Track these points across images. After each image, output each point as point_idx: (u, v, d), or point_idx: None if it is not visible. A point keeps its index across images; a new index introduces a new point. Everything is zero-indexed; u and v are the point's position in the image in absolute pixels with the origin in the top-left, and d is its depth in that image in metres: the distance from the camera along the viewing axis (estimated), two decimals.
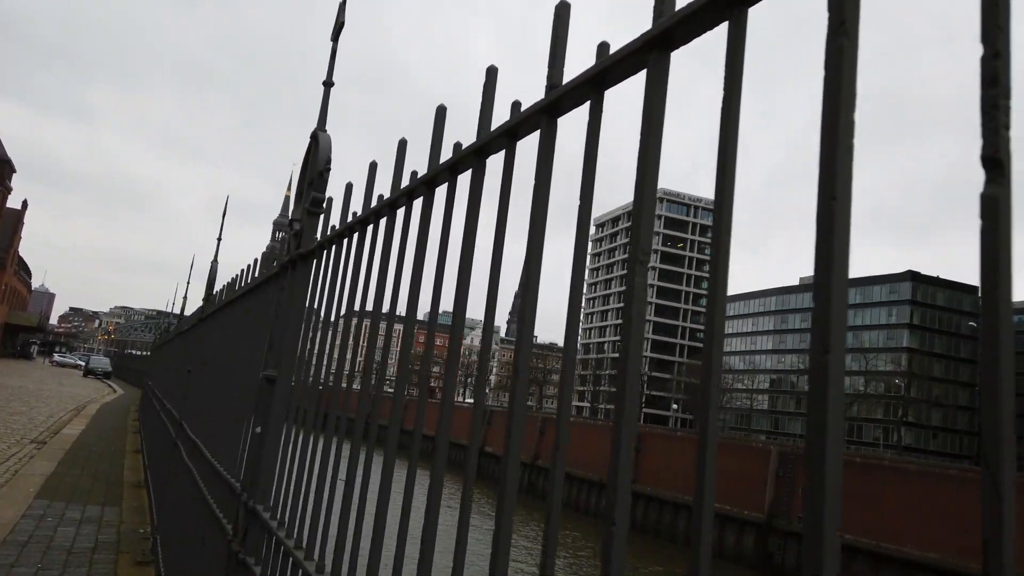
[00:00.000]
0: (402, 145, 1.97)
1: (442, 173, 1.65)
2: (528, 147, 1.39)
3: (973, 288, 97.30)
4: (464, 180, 1.59)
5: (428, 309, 1.67)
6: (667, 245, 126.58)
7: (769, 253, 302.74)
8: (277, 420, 2.66)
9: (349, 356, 2.15)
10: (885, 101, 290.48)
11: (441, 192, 1.69)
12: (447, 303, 1.65)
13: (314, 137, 2.88)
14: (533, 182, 1.26)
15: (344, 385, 2.13)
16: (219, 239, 8.12)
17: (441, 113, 1.73)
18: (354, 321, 2.20)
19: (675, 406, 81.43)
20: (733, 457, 50.53)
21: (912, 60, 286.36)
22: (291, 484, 2.34)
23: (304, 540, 2.12)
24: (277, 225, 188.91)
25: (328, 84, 3.00)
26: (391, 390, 2.04)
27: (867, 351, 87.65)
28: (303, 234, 2.75)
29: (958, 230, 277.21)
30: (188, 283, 12.59)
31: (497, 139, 1.42)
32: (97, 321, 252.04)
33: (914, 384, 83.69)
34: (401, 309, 1.87)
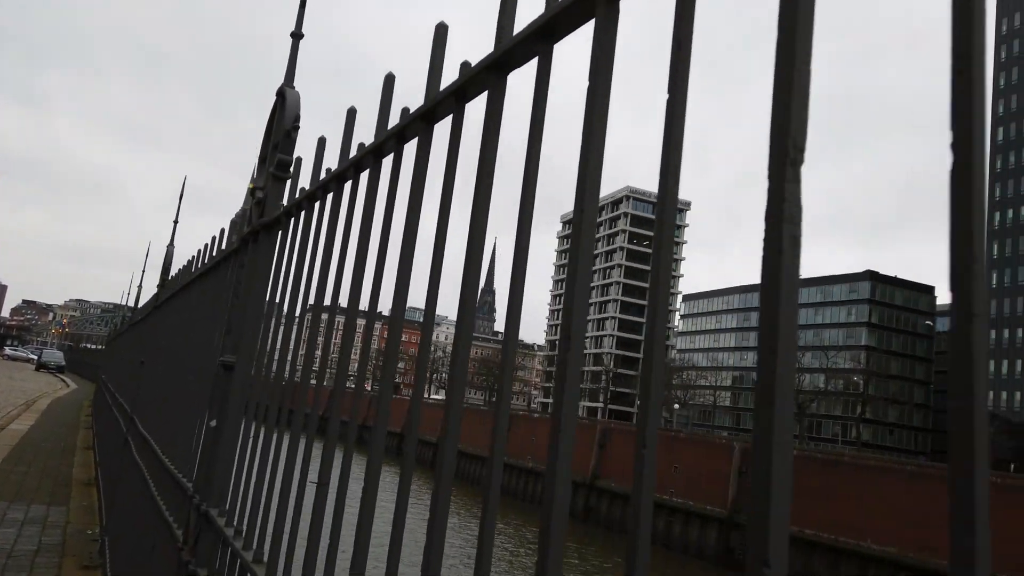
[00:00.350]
0: (351, 113, 1.84)
1: (388, 142, 1.54)
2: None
3: (930, 288, 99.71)
4: (413, 149, 1.48)
5: (370, 301, 1.52)
6: (633, 243, 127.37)
7: (735, 252, 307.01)
8: (235, 412, 2.34)
9: (313, 342, 1.86)
10: (847, 104, 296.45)
11: (389, 165, 1.57)
12: (405, 294, 1.46)
13: (280, 94, 2.55)
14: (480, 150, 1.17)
15: (314, 376, 1.84)
16: (175, 222, 7.66)
17: (390, 81, 1.60)
18: (314, 304, 1.92)
19: (639, 403, 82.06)
20: (697, 454, 50.94)
21: (874, 63, 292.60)
22: (251, 486, 2.03)
23: (265, 553, 1.81)
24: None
25: (296, 36, 2.67)
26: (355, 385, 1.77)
27: (827, 349, 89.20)
28: (267, 202, 2.42)
29: (916, 231, 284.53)
30: (143, 272, 12.06)
31: (444, 102, 1.31)
32: (51, 314, 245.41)
33: (872, 381, 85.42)
34: (363, 299, 1.66)
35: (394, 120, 1.54)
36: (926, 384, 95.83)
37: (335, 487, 1.41)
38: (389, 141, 1.53)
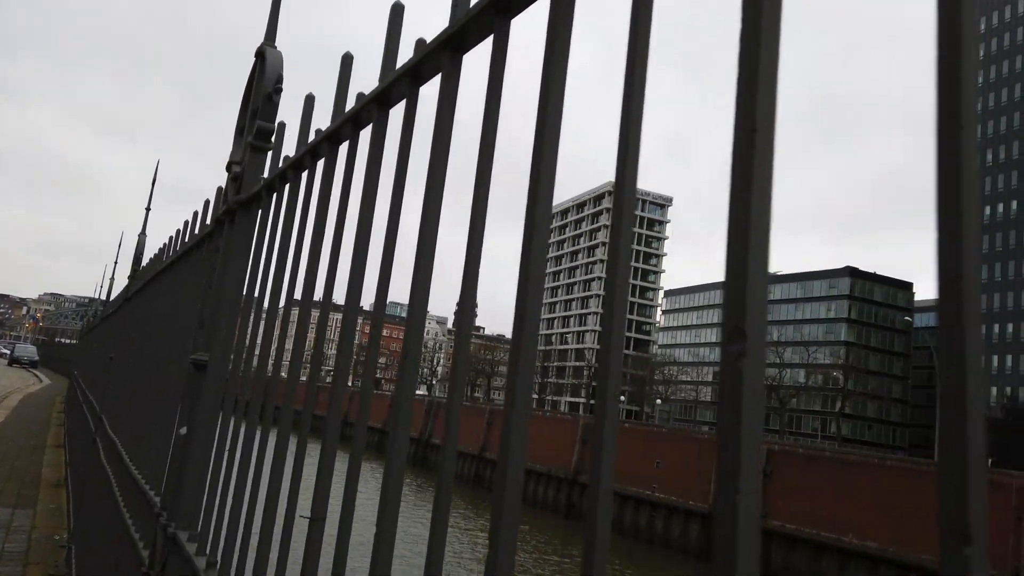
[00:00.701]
0: (309, 100, 1.72)
1: (344, 127, 1.46)
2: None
3: (908, 284, 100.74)
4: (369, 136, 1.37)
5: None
6: None
7: (719, 247, 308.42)
8: (207, 418, 2.02)
9: (301, 336, 1.59)
10: (831, 100, 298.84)
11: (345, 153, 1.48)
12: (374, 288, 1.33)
13: (259, 55, 2.22)
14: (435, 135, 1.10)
15: (303, 374, 1.56)
16: (147, 209, 7.24)
17: (347, 62, 1.53)
18: (298, 293, 1.67)
19: (622, 398, 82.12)
20: (681, 449, 50.96)
21: (855, 61, 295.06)
22: (226, 507, 1.71)
23: None
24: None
25: None
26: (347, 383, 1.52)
27: (808, 344, 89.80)
28: (244, 177, 2.10)
29: (895, 228, 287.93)
30: (115, 263, 11.56)
31: (397, 84, 1.23)
32: (25, 308, 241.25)
33: (851, 377, 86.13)
34: (337, 292, 1.51)
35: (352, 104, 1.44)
36: (904, 379, 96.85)
37: (333, 523, 1.10)
38: (345, 127, 1.45)
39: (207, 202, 2.75)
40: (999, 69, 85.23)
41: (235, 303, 2.04)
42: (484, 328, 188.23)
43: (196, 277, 2.63)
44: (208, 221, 2.64)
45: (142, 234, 6.48)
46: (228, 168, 2.27)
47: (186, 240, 3.12)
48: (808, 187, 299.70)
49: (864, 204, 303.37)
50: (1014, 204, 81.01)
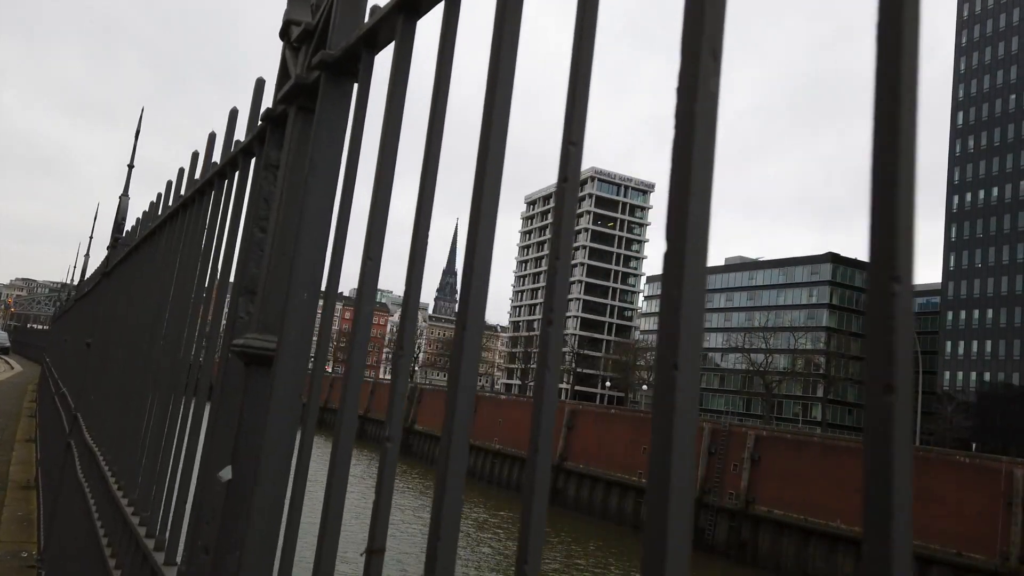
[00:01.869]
0: None
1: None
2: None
3: None
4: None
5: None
6: (598, 224, 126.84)
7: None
8: (278, 447, 1.13)
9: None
10: (816, 86, 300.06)
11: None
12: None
13: None
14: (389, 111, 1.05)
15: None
16: (130, 166, 6.27)
17: None
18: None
19: (608, 383, 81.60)
20: None
21: (844, 45, 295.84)
22: None
23: None
24: None
25: None
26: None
27: (791, 330, 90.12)
28: (333, 25, 1.21)
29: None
30: (91, 237, 10.44)
31: (351, 50, 1.13)
32: None
33: (832, 362, 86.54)
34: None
35: None
36: None
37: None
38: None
39: (233, 112, 1.86)
40: (981, 56, 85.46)
41: (320, 246, 1.16)
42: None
43: (221, 217, 1.75)
44: (239, 140, 1.75)
45: (124, 196, 5.53)
46: (285, 33, 1.38)
47: (209, 164, 2.17)
48: (793, 173, 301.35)
49: (847, 190, 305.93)
50: (995, 191, 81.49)
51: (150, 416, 2.20)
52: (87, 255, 9.69)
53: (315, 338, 1.18)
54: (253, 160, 1.62)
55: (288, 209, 1.27)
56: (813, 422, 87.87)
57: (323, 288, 1.16)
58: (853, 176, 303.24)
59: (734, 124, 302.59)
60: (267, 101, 1.55)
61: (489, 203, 0.82)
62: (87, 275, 8.89)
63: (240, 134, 1.80)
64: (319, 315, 1.16)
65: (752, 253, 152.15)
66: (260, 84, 1.67)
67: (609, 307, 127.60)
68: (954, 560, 34.34)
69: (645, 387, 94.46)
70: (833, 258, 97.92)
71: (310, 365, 1.19)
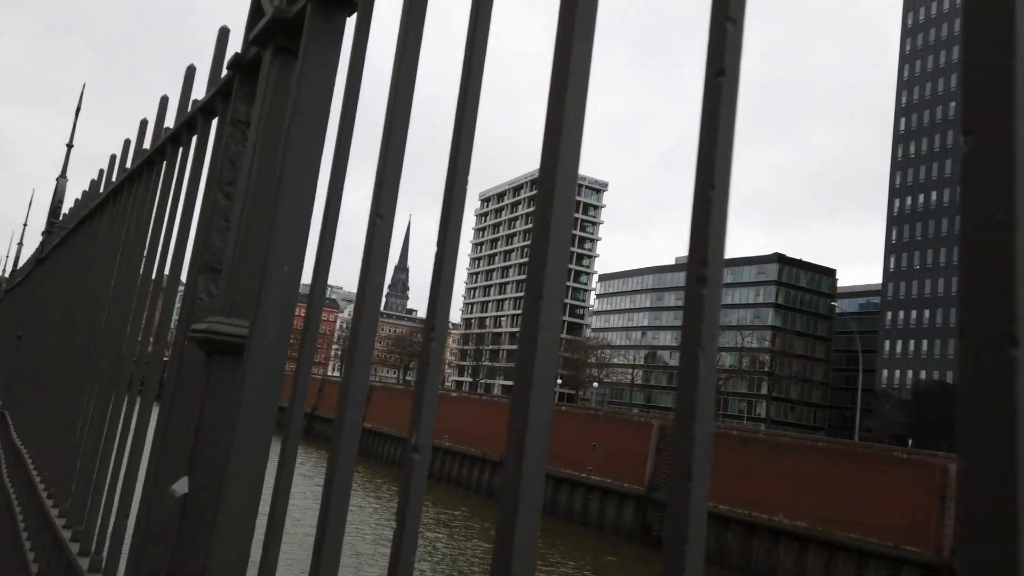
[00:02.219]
0: None
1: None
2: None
3: (832, 271, 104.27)
4: None
5: None
6: None
7: (658, 233, 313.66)
8: (251, 454, 0.92)
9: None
10: (773, 90, 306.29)
11: None
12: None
13: None
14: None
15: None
16: (69, 145, 5.81)
17: None
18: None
19: (558, 381, 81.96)
20: (616, 432, 51.04)
21: (801, 51, 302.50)
22: None
23: None
24: None
25: None
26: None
27: (740, 328, 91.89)
28: None
29: (824, 217, 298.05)
30: (25, 225, 9.83)
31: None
32: None
33: (777, 360, 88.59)
34: None
35: None
36: (826, 362, 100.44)
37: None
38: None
39: (190, 70, 1.62)
40: (924, 64, 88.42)
41: (306, 208, 0.96)
42: (417, 311, 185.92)
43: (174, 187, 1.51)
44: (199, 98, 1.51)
45: (62, 177, 5.13)
46: None
47: (161, 131, 1.91)
48: (747, 173, 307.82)
49: (798, 192, 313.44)
50: (934, 195, 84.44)
51: (87, 415, 1.95)
52: (20, 243, 9.11)
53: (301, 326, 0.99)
54: (215, 120, 1.40)
55: (263, 168, 1.07)
56: (757, 419, 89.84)
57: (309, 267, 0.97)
58: (804, 179, 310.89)
59: (690, 123, 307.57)
60: (234, 53, 1.33)
61: (459, 199, 0.76)
62: (20, 265, 8.35)
63: (199, 93, 1.57)
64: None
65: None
66: (224, 33, 1.44)
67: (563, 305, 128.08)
68: (891, 553, 35.43)
69: (596, 384, 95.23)
70: (779, 259, 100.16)
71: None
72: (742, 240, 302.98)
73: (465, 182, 0.76)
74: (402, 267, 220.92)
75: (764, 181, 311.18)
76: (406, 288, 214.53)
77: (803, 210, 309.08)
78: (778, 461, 41.83)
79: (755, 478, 42.11)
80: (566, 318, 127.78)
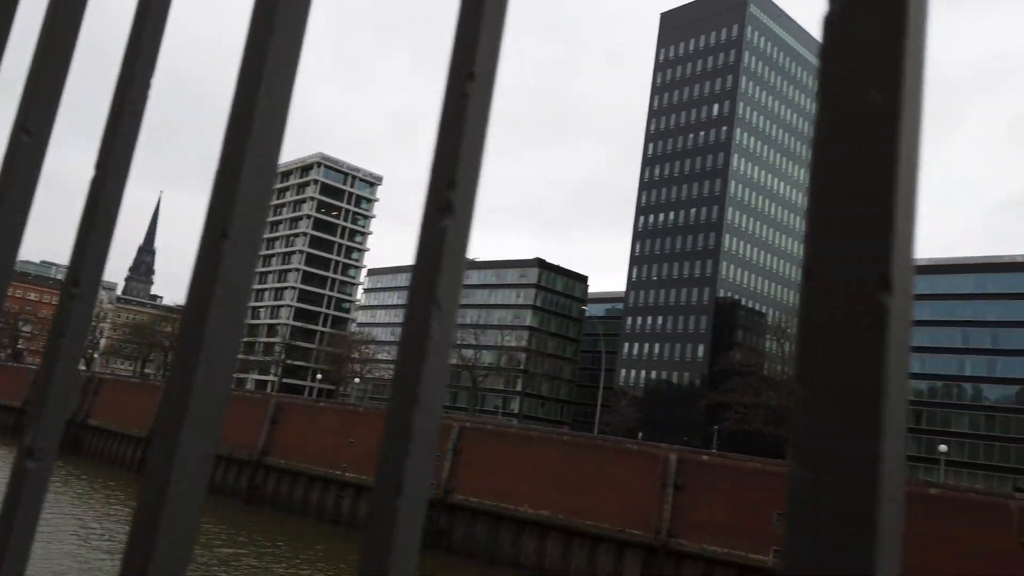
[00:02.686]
0: None
1: None
2: None
3: (584, 277, 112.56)
4: None
5: None
6: (321, 212, 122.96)
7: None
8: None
9: None
10: (548, 106, 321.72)
11: None
12: None
13: None
14: None
15: None
16: None
17: None
18: None
19: (319, 376, 79.02)
20: (374, 428, 50.39)
21: (573, 73, 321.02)
22: None
23: None
24: None
25: None
26: None
27: (500, 328, 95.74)
28: None
29: (584, 227, 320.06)
30: None
31: None
32: None
33: (532, 359, 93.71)
34: None
35: None
36: (574, 362, 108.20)
37: None
38: None
39: None
40: (671, 95, 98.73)
41: None
42: (162, 297, 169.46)
43: None
44: None
45: None
46: None
47: None
48: (519, 185, 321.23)
49: (564, 204, 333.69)
50: (671, 215, 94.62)
51: None
52: None
53: None
54: None
55: None
56: (511, 414, 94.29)
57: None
58: (570, 191, 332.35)
59: None
60: None
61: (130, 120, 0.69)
62: None
63: None
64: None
65: (470, 253, 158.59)
66: None
67: (327, 298, 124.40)
68: (618, 537, 38.82)
69: (358, 380, 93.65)
70: (540, 263, 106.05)
71: None
72: (511, 244, 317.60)
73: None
74: (148, 248, 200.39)
75: (534, 191, 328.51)
76: (151, 272, 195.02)
77: (567, 220, 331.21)
78: (527, 454, 43.93)
79: (506, 471, 43.84)
80: (330, 312, 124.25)
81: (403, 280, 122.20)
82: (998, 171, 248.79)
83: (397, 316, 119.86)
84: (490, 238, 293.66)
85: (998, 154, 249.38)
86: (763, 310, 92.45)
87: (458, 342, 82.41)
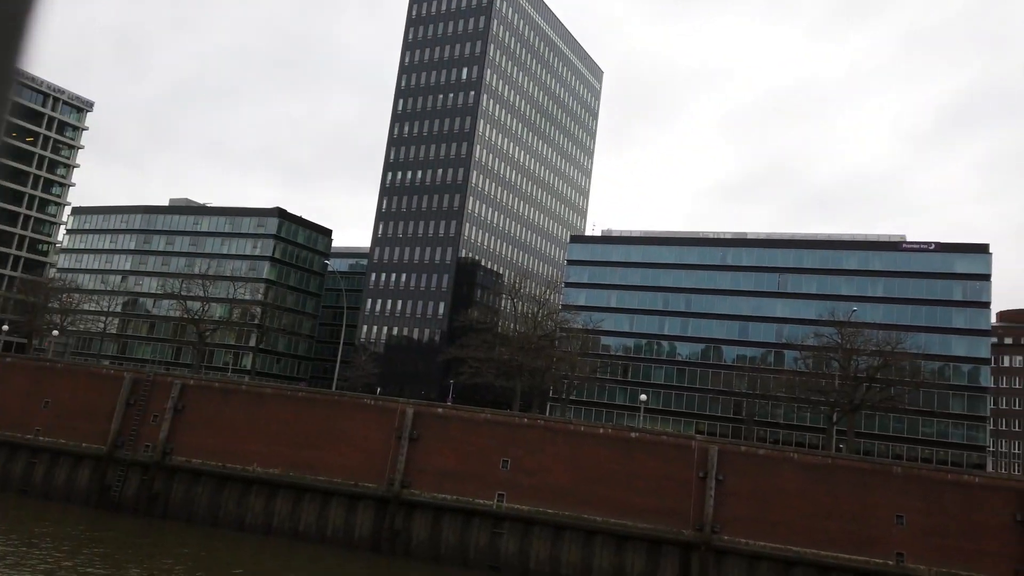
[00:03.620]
0: None
1: None
2: None
3: (328, 231, 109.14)
4: None
5: None
6: (11, 136, 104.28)
7: (158, 171, 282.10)
8: None
9: None
10: (302, 49, 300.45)
11: None
12: None
13: None
14: None
15: None
16: None
17: None
18: None
19: (5, 327, 66.81)
20: (71, 385, 44.77)
21: (331, 18, 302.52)
22: None
23: None
24: None
25: None
26: None
27: (234, 280, 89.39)
28: None
29: (333, 180, 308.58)
30: None
31: None
32: None
33: (268, 313, 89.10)
34: None
35: None
36: (314, 317, 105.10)
37: None
38: None
39: None
40: (422, 54, 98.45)
41: None
42: None
43: None
44: None
45: None
46: None
47: None
48: (261, 130, 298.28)
49: (312, 154, 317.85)
50: (419, 173, 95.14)
51: None
52: None
53: None
54: None
55: None
56: (243, 370, 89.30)
57: None
58: (319, 142, 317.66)
59: (209, 59, 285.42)
60: None
61: None
62: None
63: None
64: None
65: (201, 197, 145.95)
66: None
67: (19, 237, 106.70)
68: (351, 490, 38.81)
69: (56, 332, 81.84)
70: (280, 213, 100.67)
71: None
72: (250, 192, 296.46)
73: None
74: None
75: (281, 137, 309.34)
76: None
77: (315, 171, 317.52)
78: (258, 411, 41.97)
79: (235, 429, 41.55)
80: (22, 253, 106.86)
81: (117, 222, 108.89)
82: (710, 159, 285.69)
83: (109, 262, 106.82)
84: (226, 183, 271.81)
85: (712, 144, 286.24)
86: (500, 271, 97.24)
87: (184, 293, 75.39)
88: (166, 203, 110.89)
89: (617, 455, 37.63)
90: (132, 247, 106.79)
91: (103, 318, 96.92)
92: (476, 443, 39.36)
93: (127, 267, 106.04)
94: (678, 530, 35.56)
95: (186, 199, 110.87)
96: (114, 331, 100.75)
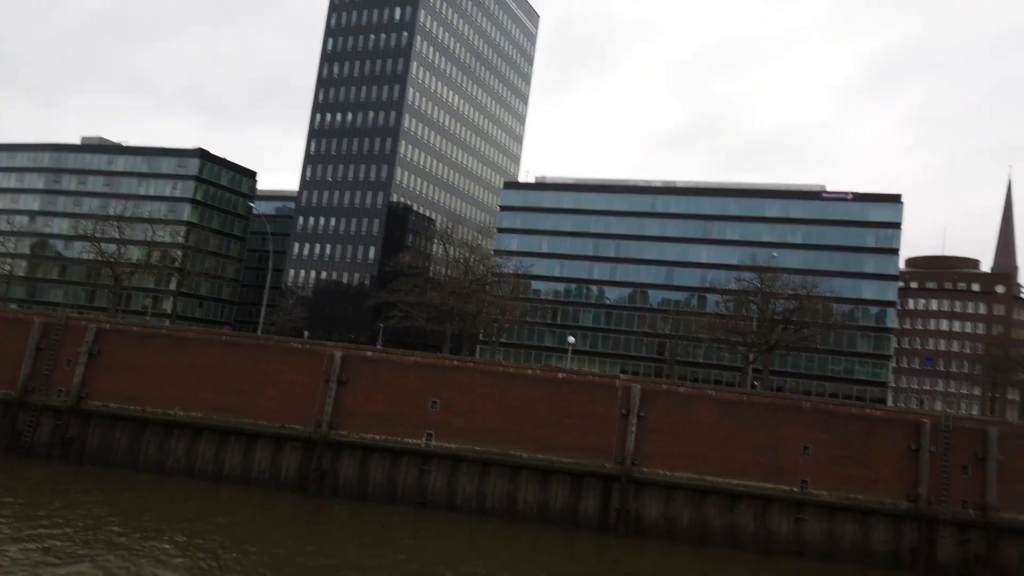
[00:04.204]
0: None
1: None
2: None
3: (253, 173, 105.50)
4: None
5: None
6: None
7: (73, 108, 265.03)
8: None
9: None
10: None
11: None
12: None
13: None
14: None
15: None
16: None
17: None
18: None
19: None
20: None
21: None
22: None
23: None
24: None
25: None
26: None
27: (152, 222, 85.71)
28: None
29: (261, 122, 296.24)
30: None
31: None
32: None
33: (190, 256, 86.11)
34: None
35: None
36: (239, 261, 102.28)
37: None
38: None
39: None
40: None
41: None
42: None
43: None
44: None
45: None
46: None
47: None
48: (184, 66, 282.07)
49: (239, 91, 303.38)
50: (350, 116, 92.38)
51: None
52: None
53: None
54: None
55: None
56: (163, 314, 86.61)
57: None
58: (247, 81, 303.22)
59: None
60: None
61: None
62: None
63: None
64: None
65: (118, 137, 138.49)
66: None
67: None
68: (278, 432, 38.56)
69: None
70: (202, 154, 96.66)
71: None
72: (172, 133, 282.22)
73: None
74: None
75: (205, 76, 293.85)
76: None
77: (241, 113, 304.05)
78: (180, 356, 40.94)
79: (155, 373, 40.49)
80: None
81: (25, 160, 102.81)
82: (650, 109, 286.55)
83: (15, 201, 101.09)
84: (146, 123, 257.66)
85: (652, 95, 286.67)
86: (433, 216, 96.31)
87: (98, 235, 71.88)
88: (78, 141, 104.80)
89: (545, 395, 38.43)
90: (40, 186, 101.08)
91: (9, 260, 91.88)
92: (406, 385, 39.52)
93: (35, 207, 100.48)
94: (600, 463, 36.85)
95: (100, 138, 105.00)
96: (22, 274, 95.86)
